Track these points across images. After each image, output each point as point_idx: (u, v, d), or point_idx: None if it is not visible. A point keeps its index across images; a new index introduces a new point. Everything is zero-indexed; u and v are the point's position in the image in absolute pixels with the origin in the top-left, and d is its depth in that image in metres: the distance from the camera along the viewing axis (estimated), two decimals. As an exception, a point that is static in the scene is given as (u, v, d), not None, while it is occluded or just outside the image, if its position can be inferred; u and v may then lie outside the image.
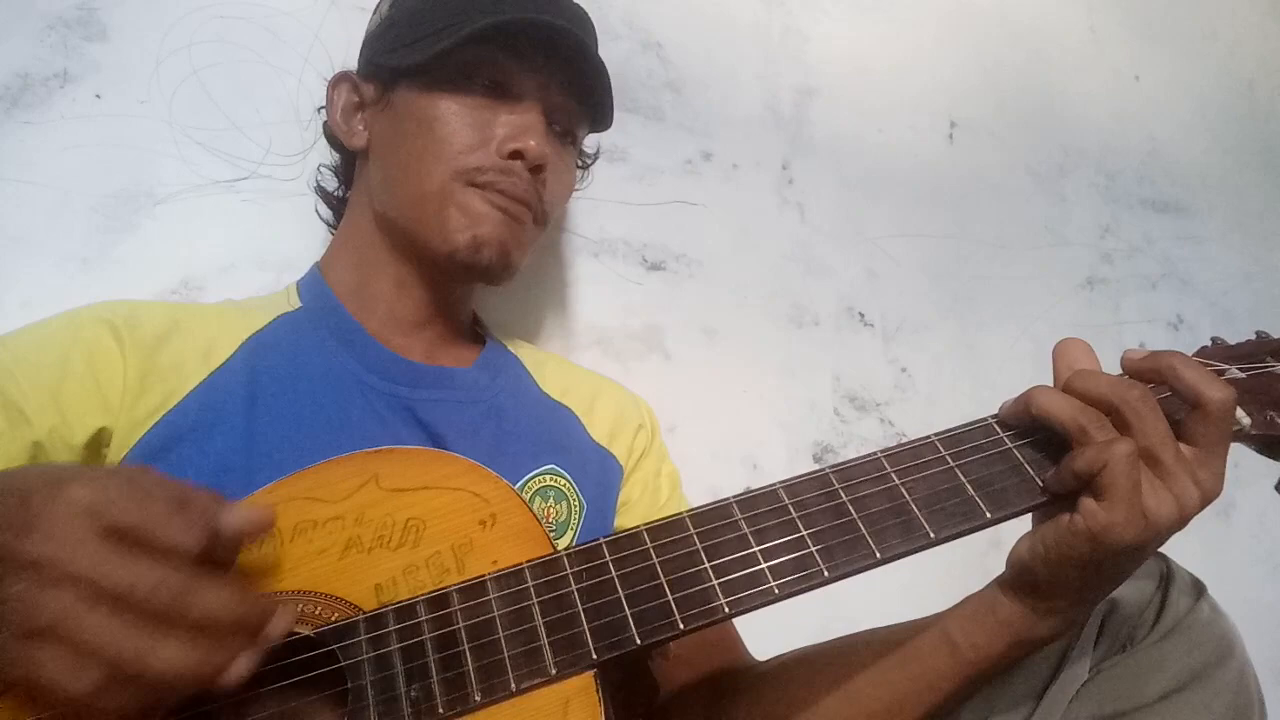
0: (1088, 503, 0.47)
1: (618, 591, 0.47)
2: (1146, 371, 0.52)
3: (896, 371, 1.18)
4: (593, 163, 0.93)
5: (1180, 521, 0.48)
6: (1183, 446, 0.49)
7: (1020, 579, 0.51)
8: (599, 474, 0.75)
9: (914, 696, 0.54)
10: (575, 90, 0.74)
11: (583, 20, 0.77)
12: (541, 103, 0.72)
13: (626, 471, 0.77)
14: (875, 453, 0.52)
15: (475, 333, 0.83)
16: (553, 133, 0.74)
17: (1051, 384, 0.53)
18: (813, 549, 0.49)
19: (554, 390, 0.79)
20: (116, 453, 0.57)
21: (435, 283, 0.74)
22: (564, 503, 0.69)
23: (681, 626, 0.46)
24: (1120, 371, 0.54)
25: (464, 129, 0.69)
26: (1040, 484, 0.50)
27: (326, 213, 0.85)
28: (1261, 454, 0.56)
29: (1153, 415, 0.48)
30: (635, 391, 0.87)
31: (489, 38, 0.68)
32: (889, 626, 0.59)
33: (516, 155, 0.69)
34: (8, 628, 0.35)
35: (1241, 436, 0.53)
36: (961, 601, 0.55)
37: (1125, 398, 0.48)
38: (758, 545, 0.49)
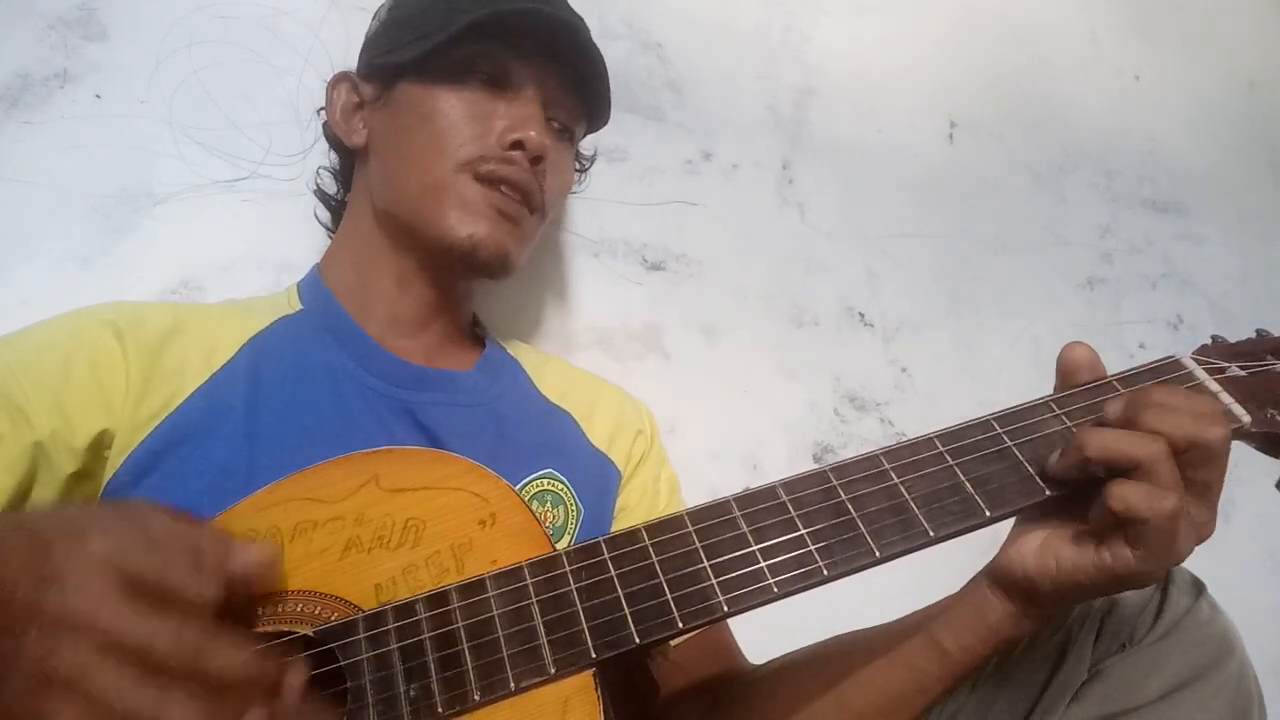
0: (1123, 550, 0.47)
1: (616, 590, 0.47)
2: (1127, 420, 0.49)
3: (896, 371, 1.18)
4: (590, 165, 0.93)
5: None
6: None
7: (1017, 584, 0.51)
8: (597, 479, 0.74)
9: (904, 699, 0.55)
10: (573, 84, 0.75)
11: (580, 21, 0.77)
12: (540, 94, 0.73)
13: (624, 477, 0.77)
14: (874, 451, 0.52)
15: (475, 335, 0.83)
16: (551, 128, 0.75)
17: (1052, 387, 0.54)
18: (811, 548, 0.48)
19: (553, 394, 0.79)
20: (118, 455, 0.57)
21: (436, 278, 0.74)
22: (561, 507, 0.69)
23: (680, 625, 0.46)
24: (1115, 372, 0.55)
25: (464, 121, 0.70)
26: (1039, 482, 0.50)
27: (325, 216, 0.85)
28: (1262, 451, 0.56)
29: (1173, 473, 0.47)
30: (635, 392, 0.87)
31: (486, 31, 0.69)
32: (877, 627, 0.59)
33: (517, 145, 0.70)
34: (22, 678, 0.35)
35: (1242, 434, 0.53)
36: (950, 604, 0.55)
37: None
38: (756, 544, 0.49)
